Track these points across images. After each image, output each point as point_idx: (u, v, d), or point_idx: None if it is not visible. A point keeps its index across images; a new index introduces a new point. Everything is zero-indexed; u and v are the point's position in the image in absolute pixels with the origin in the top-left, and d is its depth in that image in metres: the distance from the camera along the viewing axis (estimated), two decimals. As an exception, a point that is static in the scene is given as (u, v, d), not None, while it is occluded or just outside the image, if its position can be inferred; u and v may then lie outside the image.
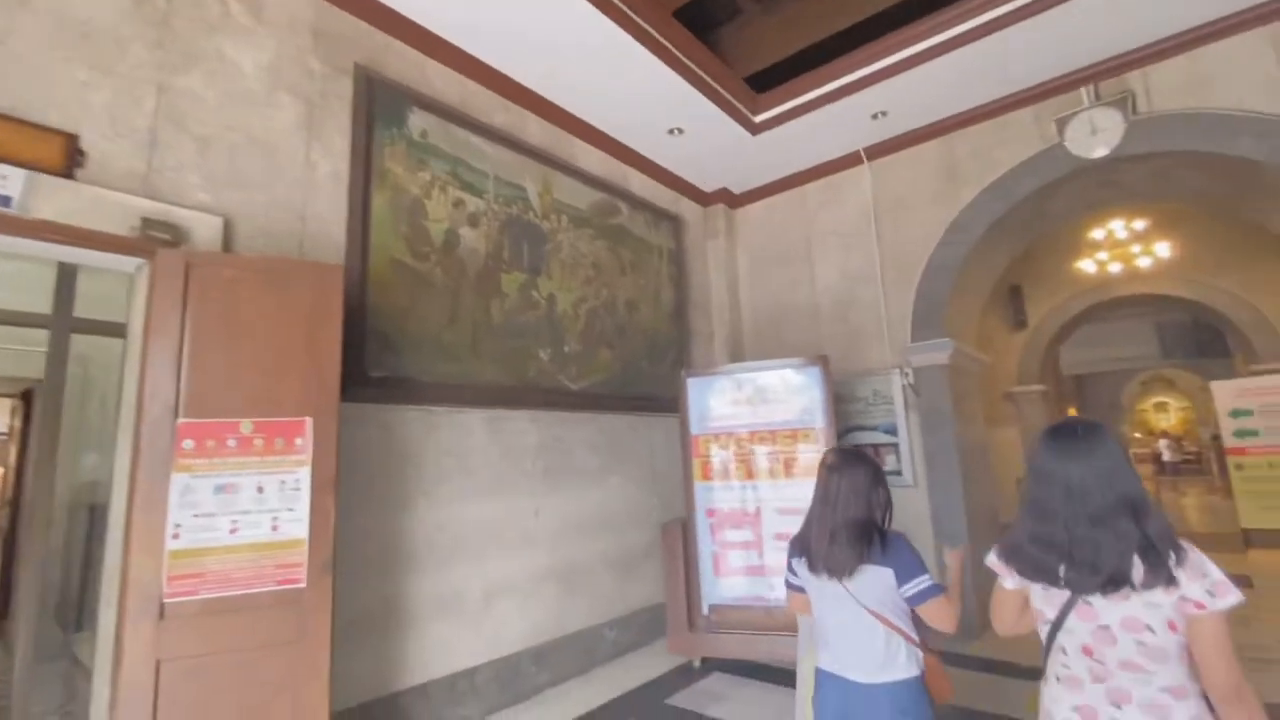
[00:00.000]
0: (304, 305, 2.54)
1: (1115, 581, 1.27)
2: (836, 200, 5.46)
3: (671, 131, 4.81)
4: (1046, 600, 1.39)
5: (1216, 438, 10.19)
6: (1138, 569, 1.26)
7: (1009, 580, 1.48)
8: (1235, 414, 6.93)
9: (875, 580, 1.75)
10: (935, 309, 4.82)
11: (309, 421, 2.46)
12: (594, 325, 4.53)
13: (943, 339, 4.74)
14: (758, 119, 4.85)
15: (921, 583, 1.72)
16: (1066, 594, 1.34)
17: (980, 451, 5.36)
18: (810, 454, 4.14)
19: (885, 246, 5.15)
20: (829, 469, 1.88)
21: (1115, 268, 7.13)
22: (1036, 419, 8.85)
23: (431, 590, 3.23)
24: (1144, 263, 7.00)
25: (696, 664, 4.07)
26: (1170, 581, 1.23)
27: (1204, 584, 1.23)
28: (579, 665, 3.99)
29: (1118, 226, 6.86)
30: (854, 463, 1.86)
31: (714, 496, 4.31)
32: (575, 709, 3.48)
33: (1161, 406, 20.31)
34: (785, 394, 4.28)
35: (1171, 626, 1.24)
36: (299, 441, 2.43)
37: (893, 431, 4.97)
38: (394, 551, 3.11)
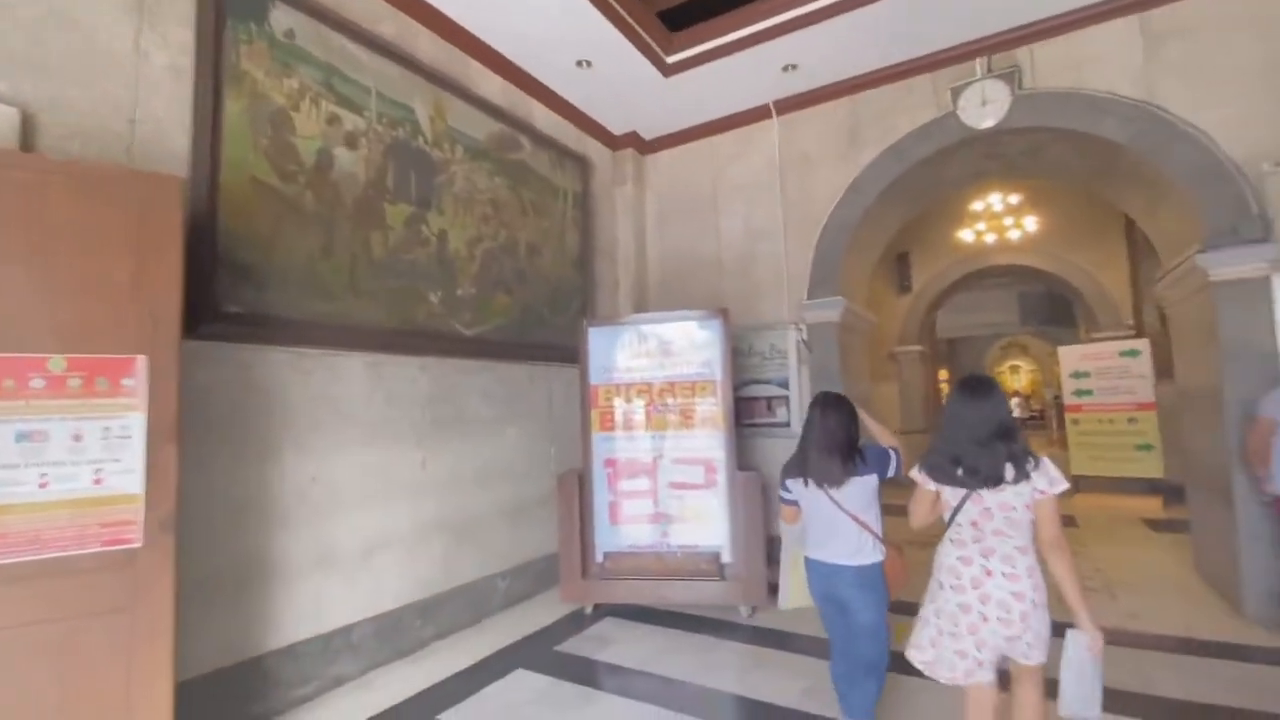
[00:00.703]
0: (133, 223, 2.14)
1: (994, 480, 1.97)
2: (745, 153, 5.43)
3: (580, 64, 4.52)
4: (953, 495, 2.07)
5: (1058, 397, 11.52)
6: (1009, 472, 1.96)
7: (929, 485, 2.13)
8: (1075, 375, 7.80)
9: (859, 488, 2.37)
10: (831, 268, 4.97)
11: (141, 360, 2.11)
12: (491, 268, 4.28)
13: (836, 298, 4.91)
14: (671, 59, 4.66)
15: (892, 459, 2.46)
16: (964, 490, 2.03)
17: (863, 406, 5.68)
18: (708, 406, 4.19)
19: (789, 203, 5.21)
20: (822, 408, 2.44)
21: (990, 238, 7.69)
22: (914, 377, 9.57)
23: (303, 545, 2.99)
24: (1014, 235, 7.59)
25: (588, 610, 4.10)
26: (1028, 479, 1.95)
27: (1047, 479, 1.95)
28: (469, 617, 3.90)
29: (995, 200, 7.37)
30: (838, 403, 2.46)
31: (612, 447, 4.28)
32: (462, 660, 3.41)
33: (1015, 369, 22.72)
34: (687, 347, 4.27)
35: (1027, 507, 1.97)
36: (127, 383, 2.08)
37: (785, 385, 5.15)
38: (258, 505, 2.82)
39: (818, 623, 3.77)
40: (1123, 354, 7.50)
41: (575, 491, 4.15)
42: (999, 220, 7.51)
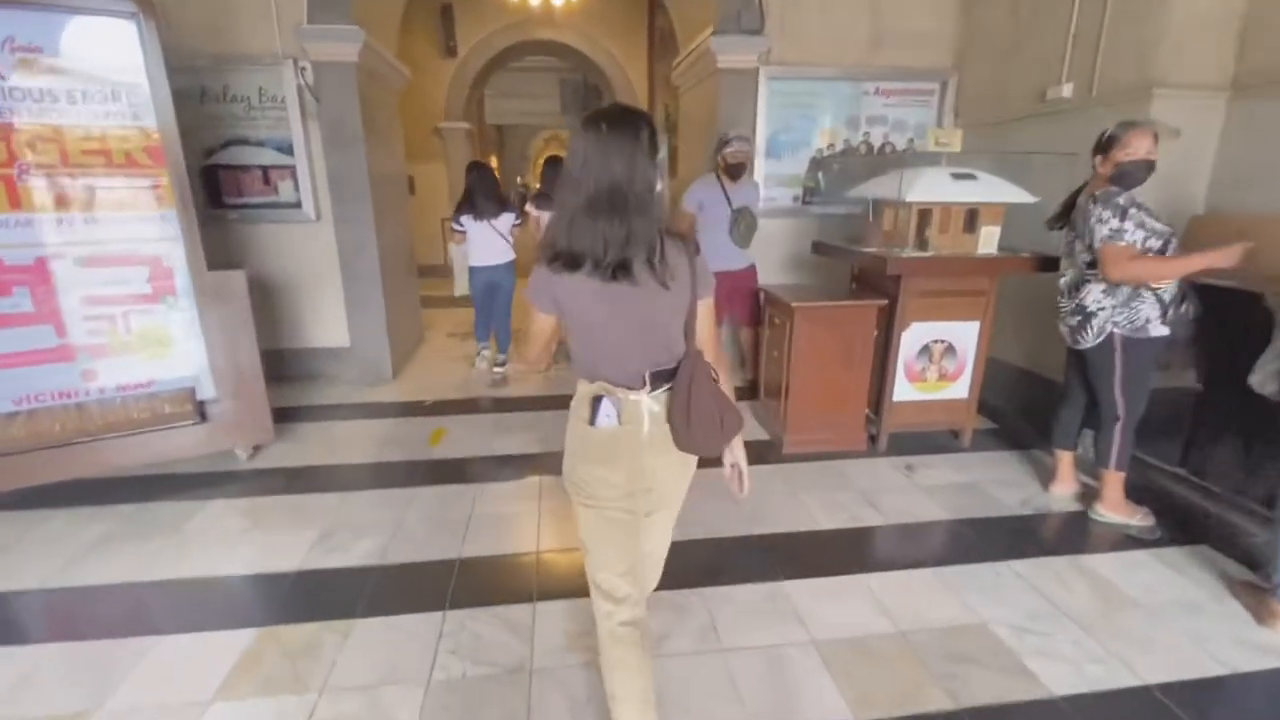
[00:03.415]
0: None
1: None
2: None
3: None
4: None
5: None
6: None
7: (535, 212, 4.15)
8: (604, 164, 8.41)
9: (506, 218, 3.92)
10: (340, -21, 3.54)
11: None
12: None
13: (350, 26, 3.58)
14: None
15: (514, 217, 4.03)
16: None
17: (398, 182, 4.77)
18: (141, 187, 2.64)
19: None
20: (479, 171, 4.00)
21: (534, 1, 7.05)
22: (462, 157, 8.87)
23: None
24: (558, 1, 7.13)
25: (-58, 514, 2.50)
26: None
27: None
28: None
29: (541, -49, 6.64)
30: (487, 168, 4.05)
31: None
32: None
33: (553, 160, 24.50)
34: (81, 63, 2.49)
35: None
36: None
37: (288, 149, 3.77)
38: None
39: (338, 448, 3.17)
40: (639, 146, 8.32)
41: None
42: (545, -23, 6.87)
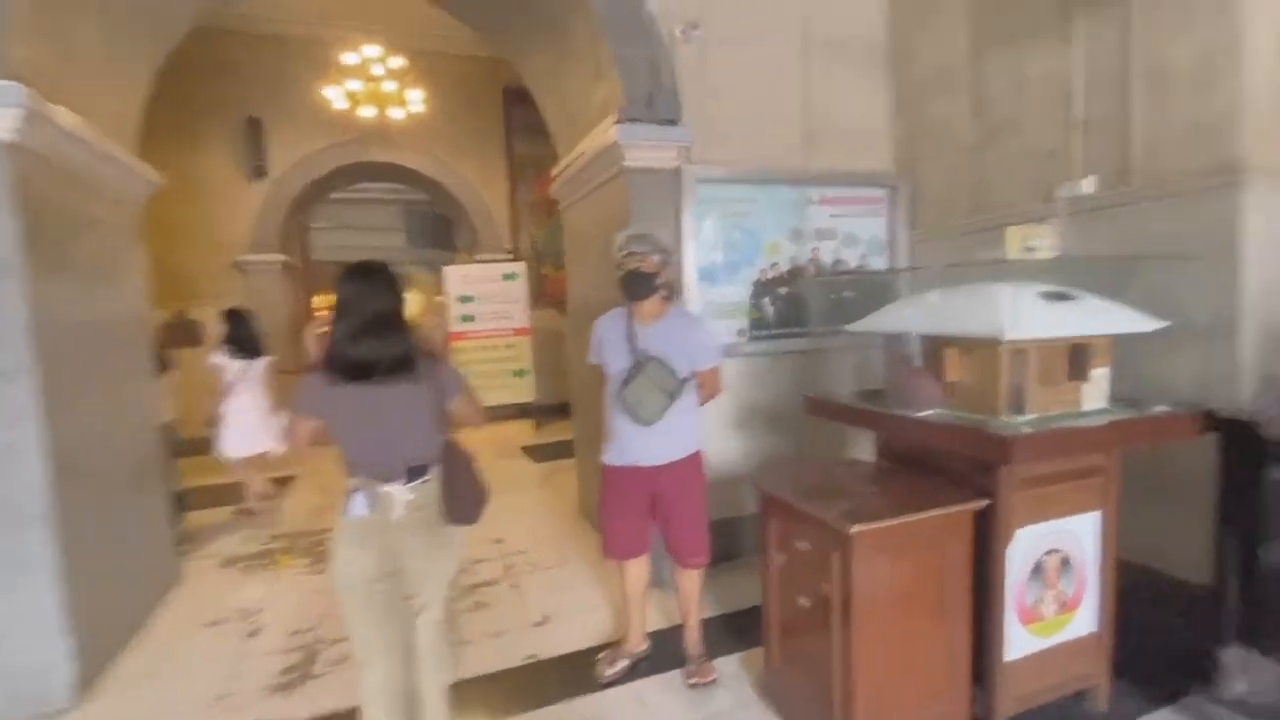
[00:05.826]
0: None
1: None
2: None
3: None
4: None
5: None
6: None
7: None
8: (463, 299, 7.03)
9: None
10: (-20, 4, 2.03)
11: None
12: None
13: (6, 82, 2.03)
14: None
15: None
16: None
17: (122, 334, 2.99)
18: None
19: None
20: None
21: (368, 111, 5.86)
22: (274, 296, 7.07)
23: None
24: (397, 114, 6.01)
25: None
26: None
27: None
28: None
29: (373, 52, 5.56)
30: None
31: None
32: None
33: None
34: None
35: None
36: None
37: None
38: None
39: None
40: (505, 277, 7.13)
41: None
42: (378, 85, 5.73)
